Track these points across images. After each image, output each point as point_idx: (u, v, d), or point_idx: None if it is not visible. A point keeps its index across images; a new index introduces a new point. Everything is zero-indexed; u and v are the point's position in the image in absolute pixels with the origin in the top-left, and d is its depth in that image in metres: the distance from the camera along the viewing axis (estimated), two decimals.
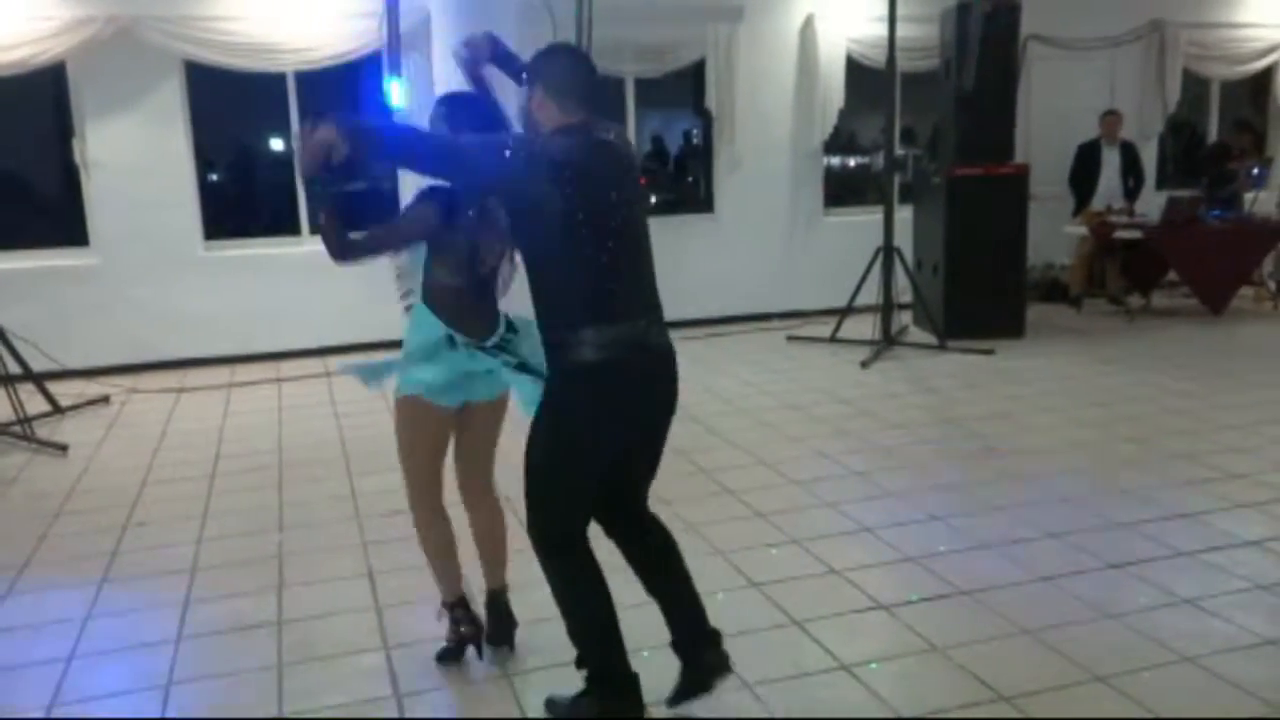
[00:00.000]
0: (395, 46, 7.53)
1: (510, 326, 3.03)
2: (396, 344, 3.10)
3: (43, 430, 5.93)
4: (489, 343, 2.96)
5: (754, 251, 8.99)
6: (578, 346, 2.50)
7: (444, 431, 3.04)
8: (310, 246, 8.09)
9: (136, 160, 7.52)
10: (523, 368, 2.94)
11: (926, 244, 8.17)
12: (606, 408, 2.58)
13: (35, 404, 6.16)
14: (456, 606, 3.19)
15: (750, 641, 3.25)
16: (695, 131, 10.01)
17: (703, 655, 2.82)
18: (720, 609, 3.45)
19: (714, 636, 2.86)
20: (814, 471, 4.92)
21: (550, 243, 2.48)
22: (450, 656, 3.20)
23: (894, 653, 3.19)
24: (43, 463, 5.49)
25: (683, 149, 10.19)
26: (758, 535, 4.14)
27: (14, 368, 6.16)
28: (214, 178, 8.26)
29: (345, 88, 8.01)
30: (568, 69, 2.64)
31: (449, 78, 7.92)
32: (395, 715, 2.93)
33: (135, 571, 4.00)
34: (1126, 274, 8.86)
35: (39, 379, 6.43)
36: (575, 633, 2.78)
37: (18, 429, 5.81)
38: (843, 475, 4.86)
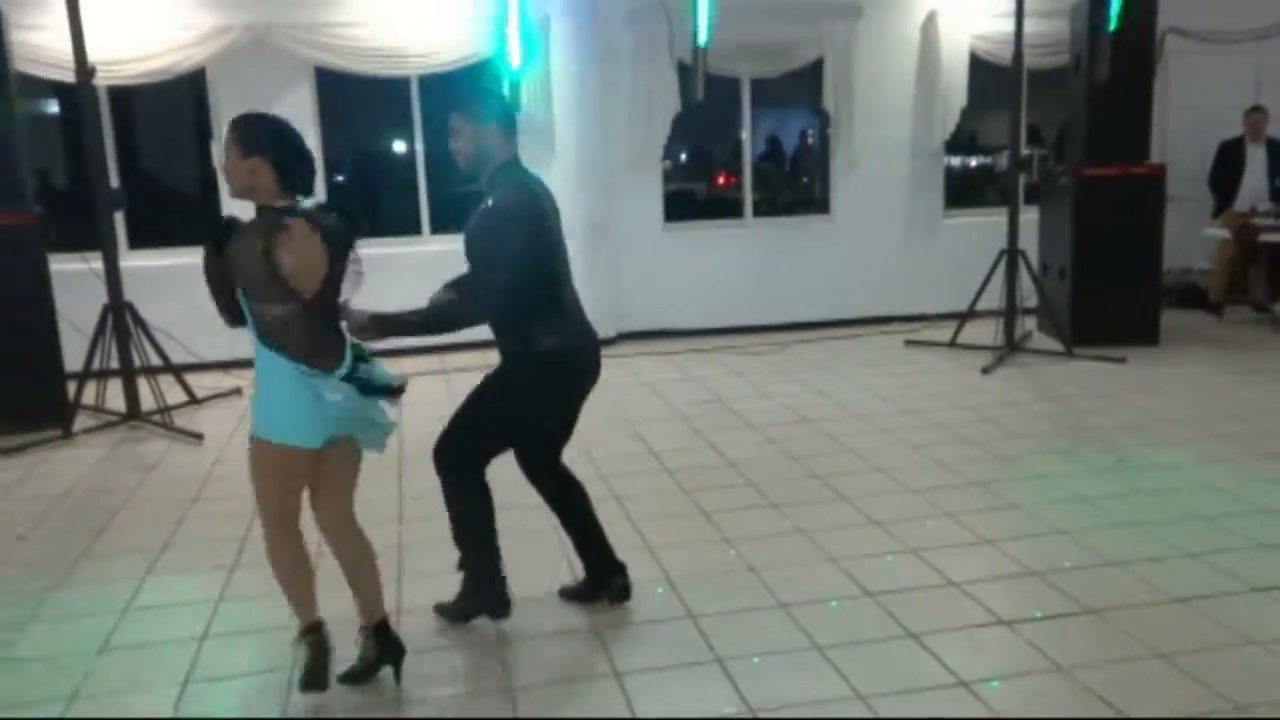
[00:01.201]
0: (515, 49, 7.67)
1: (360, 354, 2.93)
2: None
3: (180, 419, 6.24)
4: (339, 373, 2.84)
5: (871, 253, 8.82)
6: (541, 335, 3.18)
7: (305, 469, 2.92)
8: (433, 246, 8.31)
9: None
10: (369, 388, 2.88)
11: (1053, 247, 7.87)
12: (561, 387, 3.30)
13: (174, 394, 6.49)
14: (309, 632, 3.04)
15: (864, 652, 3.18)
16: (811, 131, 9.90)
17: (612, 580, 3.54)
18: (832, 617, 3.41)
19: (621, 567, 3.57)
20: (932, 479, 4.78)
21: (523, 261, 3.12)
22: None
23: (1016, 671, 3.07)
24: (180, 450, 5.77)
25: (797, 149, 10.08)
26: (873, 543, 4.06)
27: (155, 360, 6.50)
28: (339, 179, 8.54)
29: (465, 90, 8.16)
30: (510, 111, 3.35)
31: (567, 79, 8.05)
32: (509, 711, 2.96)
33: (263, 557, 4.14)
34: (1272, 279, 8.36)
35: (178, 370, 6.76)
36: (461, 537, 3.38)
37: (158, 418, 6.14)
38: (962, 484, 4.71)
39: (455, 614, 3.47)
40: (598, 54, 8.02)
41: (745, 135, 8.81)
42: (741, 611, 3.50)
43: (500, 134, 3.22)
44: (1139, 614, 3.37)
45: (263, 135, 2.82)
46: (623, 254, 8.39)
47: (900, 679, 3.03)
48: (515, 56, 7.70)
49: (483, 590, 3.38)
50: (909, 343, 7.97)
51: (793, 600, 3.54)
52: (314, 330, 2.83)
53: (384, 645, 3.11)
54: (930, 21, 8.57)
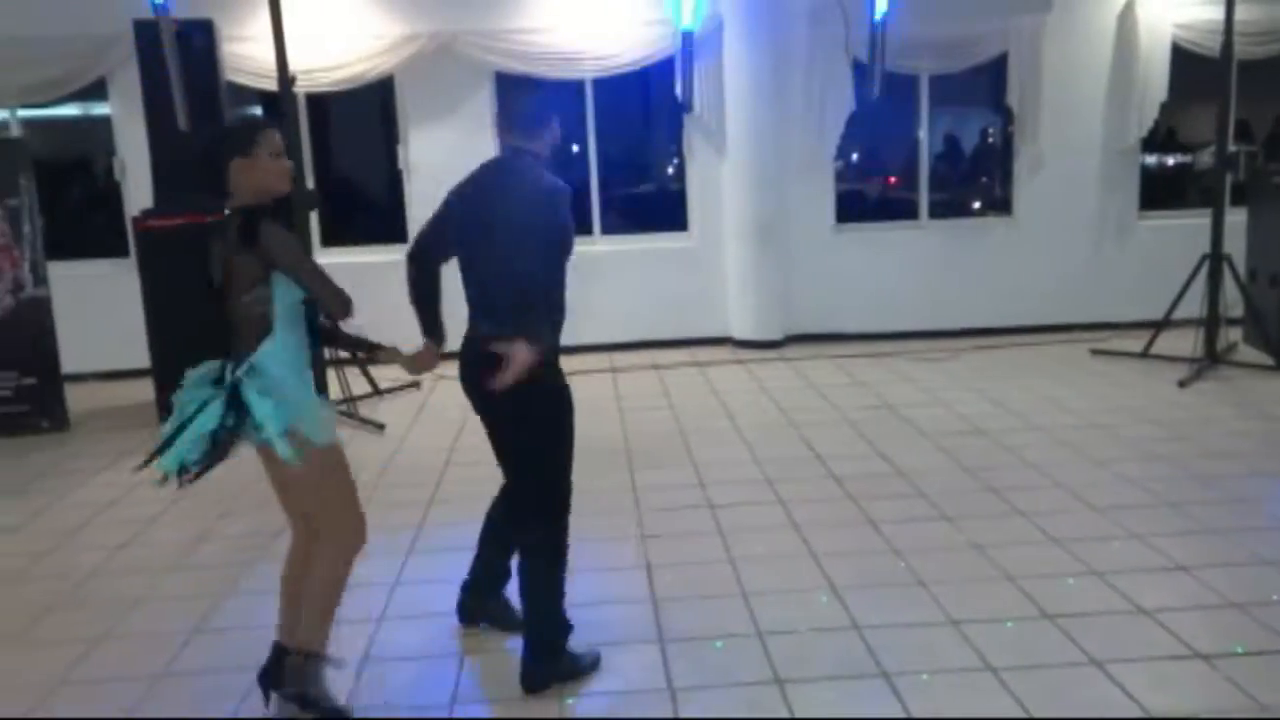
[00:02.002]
0: (689, 50, 7.70)
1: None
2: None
3: (364, 409, 6.57)
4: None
5: (1056, 257, 8.39)
6: (549, 335, 2.96)
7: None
8: (603, 246, 8.45)
9: (449, 164, 7.98)
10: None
11: (1262, 252, 7.26)
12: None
13: (359, 386, 6.84)
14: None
15: (1041, 677, 3.02)
16: (992, 130, 9.50)
17: (489, 603, 3.47)
18: (1008, 638, 3.25)
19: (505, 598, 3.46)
20: (1119, 498, 4.49)
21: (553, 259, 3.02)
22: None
23: (1212, 710, 2.84)
24: (363, 439, 6.07)
25: (977, 148, 9.69)
26: (1052, 563, 3.84)
27: (342, 352, 6.85)
28: None
29: (637, 92, 8.27)
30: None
31: (739, 79, 8.01)
32: (669, 711, 2.96)
33: (435, 545, 4.32)
34: None
35: (363, 362, 7.12)
36: (549, 598, 3.14)
37: (344, 407, 6.48)
38: (1153, 505, 4.41)
39: (543, 680, 3.10)
40: (772, 53, 7.94)
41: (922, 134, 8.54)
42: (910, 626, 3.38)
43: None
44: None
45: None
46: (792, 255, 8.29)
47: (1080, 708, 2.85)
48: (688, 56, 7.74)
49: (562, 653, 3.14)
50: (1095, 352, 7.53)
51: (965, 618, 3.40)
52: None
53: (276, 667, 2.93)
54: (1128, 11, 8.07)
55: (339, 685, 3.12)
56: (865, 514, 4.43)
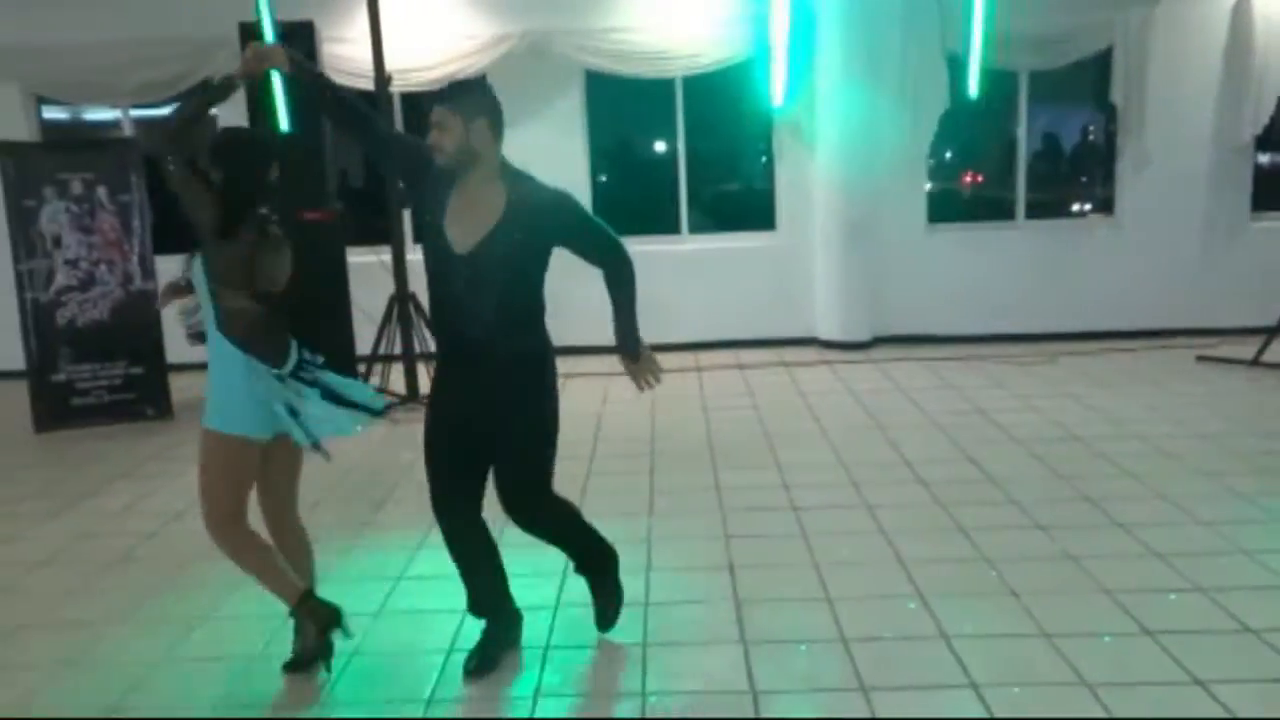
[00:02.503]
0: (780, 47, 7.63)
1: (304, 352, 3.07)
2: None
3: None
4: (287, 369, 3.00)
5: (1160, 259, 8.08)
6: (546, 334, 3.12)
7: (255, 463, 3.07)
8: (690, 245, 8.44)
9: (539, 164, 7.91)
10: (331, 396, 3.05)
11: None
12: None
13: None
14: (309, 597, 3.15)
15: (1140, 695, 2.91)
16: (1093, 127, 9.20)
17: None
18: (1104, 653, 3.15)
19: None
20: (1226, 512, 4.30)
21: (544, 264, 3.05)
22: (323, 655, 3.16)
23: None
24: None
25: (1077, 146, 9.39)
26: (1153, 578, 3.69)
27: (433, 347, 6.97)
28: (602, 179, 8.82)
29: (726, 89, 8.23)
30: (501, 107, 3.10)
31: (831, 76, 7.91)
32: (750, 712, 2.94)
33: (521, 539, 4.34)
34: None
35: None
36: (588, 554, 3.36)
37: None
38: (1264, 520, 4.21)
39: (609, 615, 3.40)
40: (864, 49, 7.82)
41: (1020, 132, 8.31)
42: (1000, 637, 3.29)
43: (490, 129, 3.01)
44: None
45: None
46: (882, 255, 8.15)
47: None
48: (780, 54, 7.67)
49: (615, 588, 3.41)
50: (1201, 359, 7.23)
51: (1059, 631, 3.29)
52: (272, 327, 3.00)
53: (314, 613, 3.15)
54: (1243, 1, 7.73)
55: (425, 672, 3.18)
56: (954, 520, 4.32)
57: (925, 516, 4.41)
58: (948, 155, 9.14)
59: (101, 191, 6.66)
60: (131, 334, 6.71)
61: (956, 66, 7.79)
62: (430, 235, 3.00)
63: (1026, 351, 7.71)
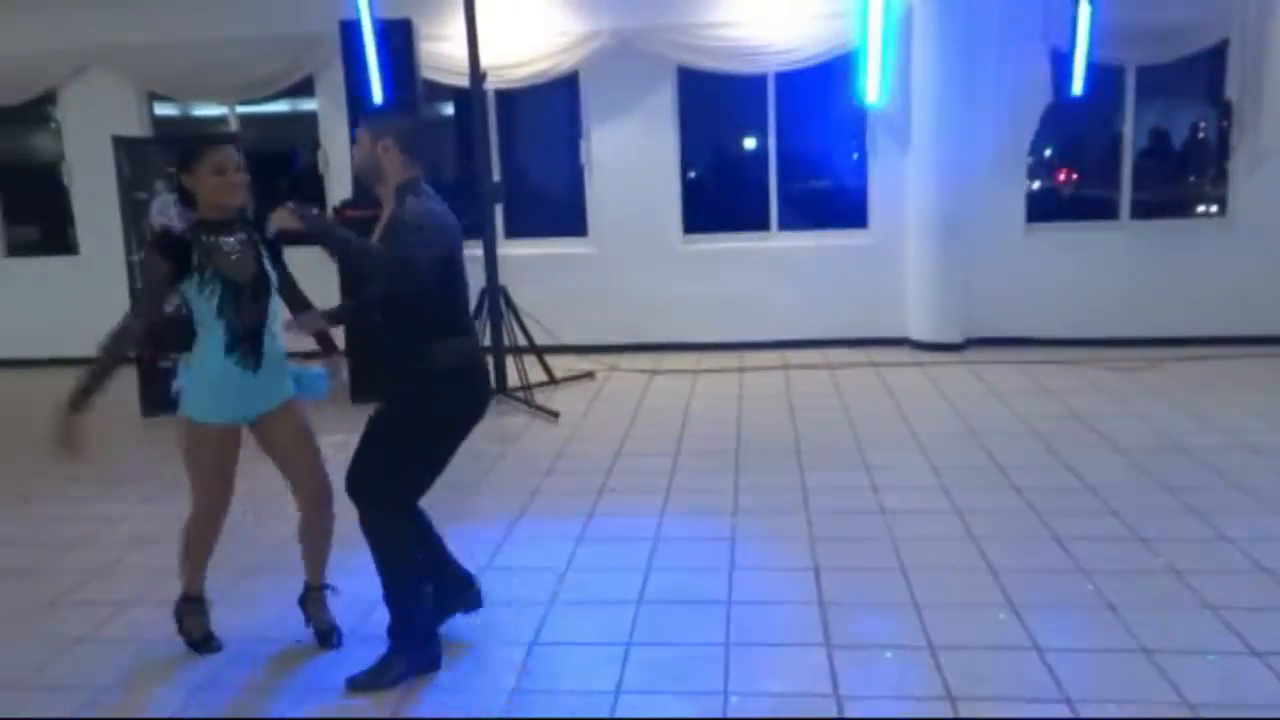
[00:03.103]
0: (875, 42, 7.49)
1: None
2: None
3: (540, 397, 6.74)
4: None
5: (1276, 262, 7.71)
6: (437, 355, 3.07)
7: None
8: (780, 242, 8.36)
9: (630, 160, 8.26)
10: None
11: None
12: (456, 410, 3.17)
13: (535, 374, 7.03)
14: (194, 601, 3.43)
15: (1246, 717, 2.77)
16: (1203, 124, 8.81)
17: (465, 593, 3.43)
18: (1208, 673, 3.02)
19: (471, 576, 3.46)
20: None
21: (426, 281, 2.99)
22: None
23: None
24: (539, 425, 6.23)
25: (1186, 144, 9.01)
26: (1263, 595, 3.53)
27: (522, 340, 7.06)
28: (692, 175, 8.81)
29: (819, 85, 8.12)
30: (416, 129, 3.26)
31: (928, 71, 7.74)
32: (835, 713, 2.89)
33: (605, 533, 4.38)
34: None
35: (540, 352, 7.31)
36: (392, 585, 3.18)
37: (521, 394, 6.67)
38: None
39: (378, 681, 3.13)
40: (962, 44, 7.64)
41: (1126, 129, 8.02)
42: (1095, 652, 3.18)
43: (398, 150, 3.09)
44: None
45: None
46: (978, 255, 7.94)
47: None
48: (875, 49, 7.53)
49: (413, 645, 3.19)
50: None
51: (1159, 648, 3.16)
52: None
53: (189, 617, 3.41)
54: None
55: (504, 668, 3.21)
56: (1049, 529, 4.19)
57: (1018, 524, 4.29)
58: (1047, 153, 8.87)
59: None
60: None
61: (1059, 60, 7.55)
62: None
63: (1129, 356, 7.43)
